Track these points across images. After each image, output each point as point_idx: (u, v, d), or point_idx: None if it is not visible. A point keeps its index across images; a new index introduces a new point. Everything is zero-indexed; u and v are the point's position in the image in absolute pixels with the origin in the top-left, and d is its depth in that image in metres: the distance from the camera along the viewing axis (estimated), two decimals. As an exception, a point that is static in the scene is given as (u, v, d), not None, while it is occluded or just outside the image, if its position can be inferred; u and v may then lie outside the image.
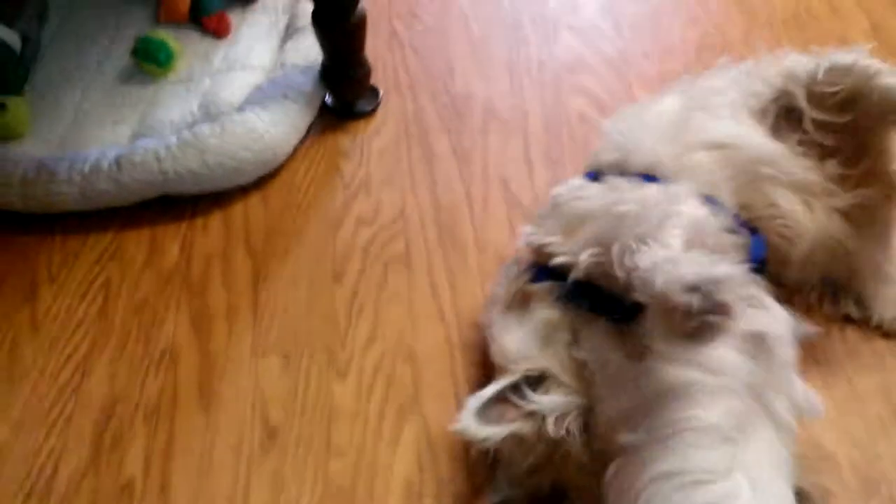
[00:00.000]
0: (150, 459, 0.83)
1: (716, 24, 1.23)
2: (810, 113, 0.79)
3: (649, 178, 0.76)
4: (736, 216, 0.75)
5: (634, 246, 0.64)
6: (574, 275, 0.71)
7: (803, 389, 0.63)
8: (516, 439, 0.68)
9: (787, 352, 0.63)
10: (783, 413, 0.60)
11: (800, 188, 0.78)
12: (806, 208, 0.77)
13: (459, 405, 0.84)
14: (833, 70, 0.78)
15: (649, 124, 0.82)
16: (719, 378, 0.58)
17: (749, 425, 0.58)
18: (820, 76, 0.78)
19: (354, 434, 0.83)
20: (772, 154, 0.77)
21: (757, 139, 0.79)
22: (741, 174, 0.77)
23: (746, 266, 0.66)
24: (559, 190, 0.82)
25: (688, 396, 0.58)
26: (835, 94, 0.78)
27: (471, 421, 0.67)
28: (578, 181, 0.82)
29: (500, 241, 0.99)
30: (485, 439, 0.67)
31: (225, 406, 0.86)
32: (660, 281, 0.59)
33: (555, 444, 0.68)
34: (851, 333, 0.87)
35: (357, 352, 0.90)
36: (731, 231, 0.73)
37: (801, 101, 0.79)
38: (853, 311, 0.87)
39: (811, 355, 0.85)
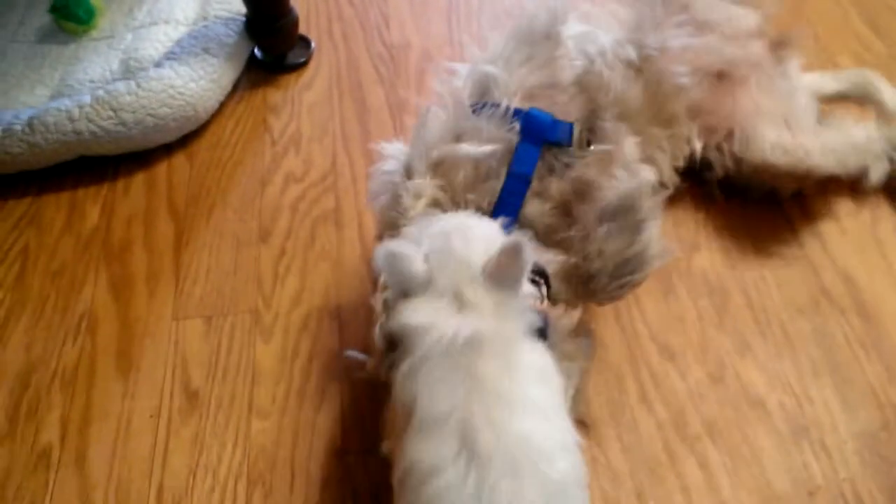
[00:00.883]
0: (66, 427, 0.81)
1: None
2: None
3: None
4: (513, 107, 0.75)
5: None
6: None
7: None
8: None
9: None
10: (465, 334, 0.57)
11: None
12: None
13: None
14: None
15: None
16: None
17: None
18: None
19: (278, 395, 0.81)
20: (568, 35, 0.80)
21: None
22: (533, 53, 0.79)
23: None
24: None
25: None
26: None
27: None
28: None
29: (435, 195, 0.95)
30: None
31: (144, 371, 0.84)
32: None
33: None
34: (787, 279, 0.85)
35: (282, 312, 0.87)
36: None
37: None
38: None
39: (746, 300, 0.84)
